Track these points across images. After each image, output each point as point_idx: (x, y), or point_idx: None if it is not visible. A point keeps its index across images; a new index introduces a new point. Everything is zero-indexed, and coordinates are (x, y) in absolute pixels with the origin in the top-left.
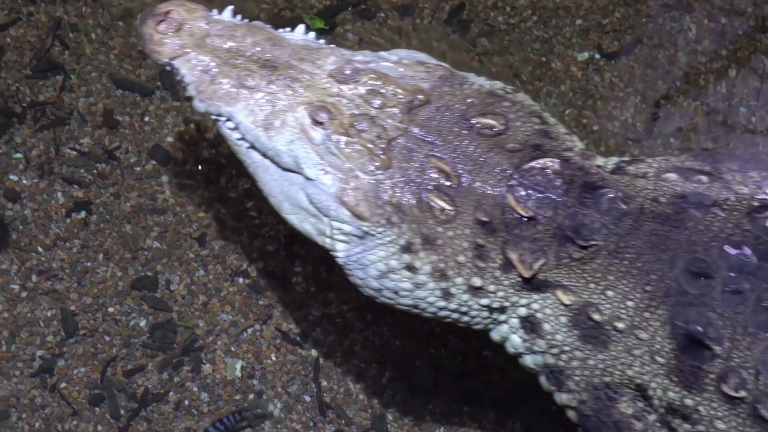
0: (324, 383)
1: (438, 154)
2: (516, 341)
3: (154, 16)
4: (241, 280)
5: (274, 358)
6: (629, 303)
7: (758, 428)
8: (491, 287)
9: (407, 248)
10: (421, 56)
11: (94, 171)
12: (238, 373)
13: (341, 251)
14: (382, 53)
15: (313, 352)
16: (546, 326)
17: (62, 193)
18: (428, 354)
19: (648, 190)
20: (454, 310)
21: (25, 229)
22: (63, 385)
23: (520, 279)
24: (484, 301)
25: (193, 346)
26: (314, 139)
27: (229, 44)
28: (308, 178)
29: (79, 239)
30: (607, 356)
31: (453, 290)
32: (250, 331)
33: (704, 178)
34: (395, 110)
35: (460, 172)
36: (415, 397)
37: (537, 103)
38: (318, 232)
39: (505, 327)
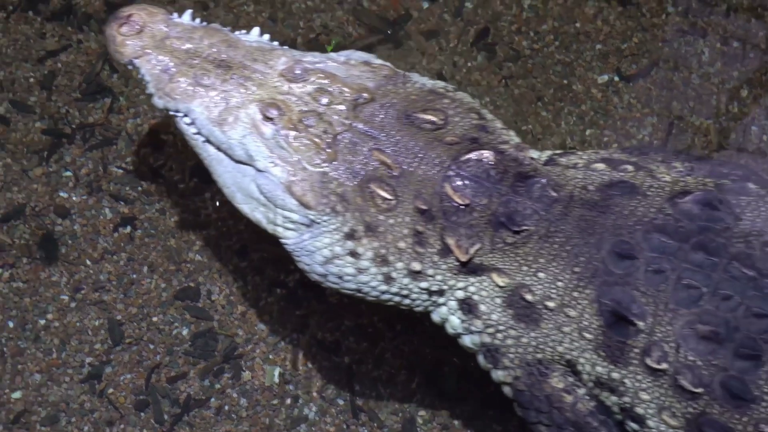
0: (357, 388)
1: (381, 148)
2: (455, 322)
3: (117, 19)
4: (278, 290)
5: (309, 365)
6: (559, 283)
7: (679, 398)
8: (430, 271)
9: (351, 235)
10: (368, 57)
11: (140, 188)
12: (276, 380)
13: (289, 238)
14: (332, 54)
15: (346, 359)
16: (482, 307)
17: (109, 209)
18: (454, 361)
19: (578, 179)
20: (395, 294)
21: (74, 244)
22: (110, 390)
23: (457, 263)
24: (424, 285)
25: (233, 354)
26: (265, 133)
27: (187, 45)
28: (259, 170)
29: (126, 252)
30: (539, 334)
31: (394, 274)
32: (287, 339)
33: (630, 167)
34: (341, 107)
35: (401, 164)
36: (443, 402)
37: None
38: (268, 221)
39: (444, 309)
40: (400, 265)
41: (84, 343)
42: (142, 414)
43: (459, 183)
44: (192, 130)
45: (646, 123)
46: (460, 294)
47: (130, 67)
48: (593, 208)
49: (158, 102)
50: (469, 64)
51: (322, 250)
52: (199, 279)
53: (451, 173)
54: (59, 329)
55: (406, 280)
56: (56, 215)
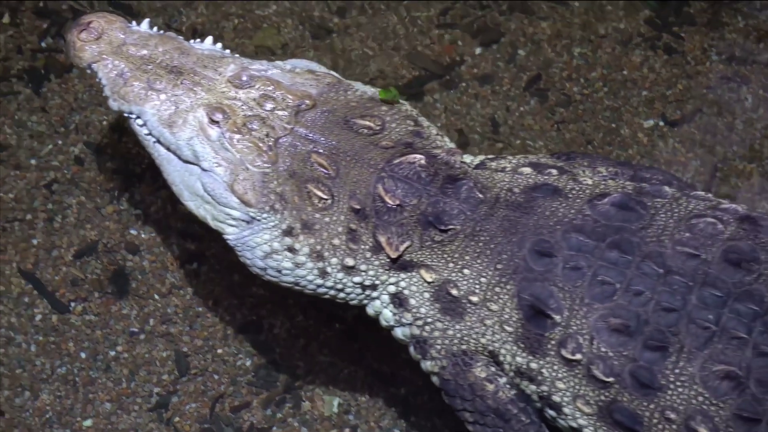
0: (412, 419)
1: (319, 150)
2: (387, 315)
3: (77, 26)
4: (336, 325)
5: (367, 396)
6: (483, 279)
7: (592, 386)
8: (363, 267)
9: (288, 232)
10: (313, 65)
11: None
12: (335, 410)
13: (231, 234)
14: (278, 62)
15: (403, 391)
16: (412, 301)
17: (177, 246)
18: None
19: (504, 181)
20: (330, 287)
21: (144, 279)
22: (177, 419)
23: (388, 259)
24: (357, 279)
25: (294, 384)
26: (211, 135)
27: (143, 52)
28: (204, 170)
29: (192, 287)
30: (463, 326)
31: (329, 269)
32: (345, 371)
33: (554, 171)
34: (284, 112)
35: (338, 166)
36: None
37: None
38: (212, 217)
39: (377, 303)
40: (334, 260)
41: (152, 374)
42: None
43: (391, 184)
44: (144, 131)
45: (690, 167)
46: (392, 288)
47: (89, 71)
48: (517, 209)
49: (113, 104)
50: (521, 109)
51: (262, 245)
52: (262, 313)
53: (384, 175)
54: (128, 360)
55: (340, 275)
56: (127, 251)
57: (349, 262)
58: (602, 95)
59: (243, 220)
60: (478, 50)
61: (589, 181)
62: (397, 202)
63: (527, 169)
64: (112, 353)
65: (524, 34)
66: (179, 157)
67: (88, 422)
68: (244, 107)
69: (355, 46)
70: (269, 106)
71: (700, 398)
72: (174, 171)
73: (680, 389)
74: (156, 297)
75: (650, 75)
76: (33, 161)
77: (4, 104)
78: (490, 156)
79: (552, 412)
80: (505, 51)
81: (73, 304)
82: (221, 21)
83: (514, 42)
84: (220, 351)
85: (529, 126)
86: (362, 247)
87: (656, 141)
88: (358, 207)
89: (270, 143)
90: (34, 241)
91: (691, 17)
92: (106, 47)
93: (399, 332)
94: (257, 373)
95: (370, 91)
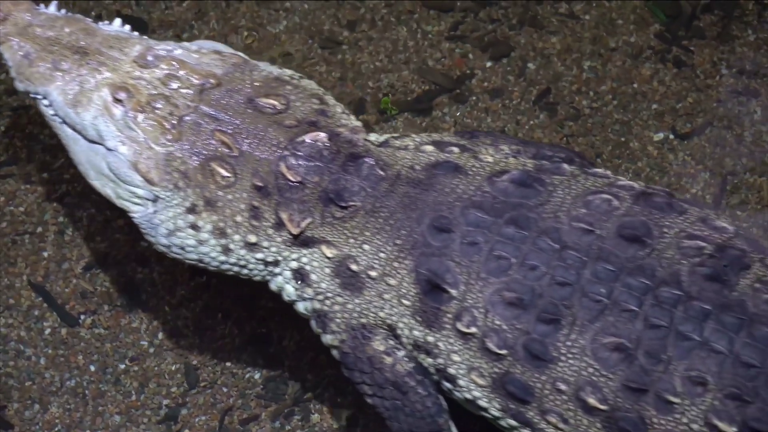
0: None
1: (223, 129)
2: (290, 290)
3: None
4: None
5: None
6: (381, 254)
7: (486, 359)
8: (265, 243)
9: (192, 210)
10: (219, 46)
11: None
12: (344, 422)
13: (136, 212)
14: (185, 43)
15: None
16: (313, 276)
17: None
18: None
19: (406, 159)
20: (234, 264)
21: (154, 291)
22: (186, 431)
23: (290, 236)
24: (260, 256)
25: (303, 397)
26: (115, 115)
27: (49, 33)
28: (109, 149)
29: (202, 300)
30: (362, 301)
31: (232, 246)
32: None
33: (456, 149)
34: (188, 91)
35: (241, 144)
36: None
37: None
38: (117, 196)
39: (280, 278)
40: (237, 237)
41: (161, 386)
42: None
43: (293, 162)
44: (50, 111)
45: (699, 179)
46: (294, 264)
47: None
48: (417, 185)
49: (19, 86)
50: (531, 122)
51: (166, 223)
52: (271, 325)
53: (286, 153)
54: (138, 373)
55: (243, 252)
56: (137, 264)
57: (252, 238)
58: (612, 108)
59: (147, 199)
60: (488, 64)
61: (490, 159)
62: (299, 180)
63: (429, 147)
64: (122, 366)
65: (534, 48)
66: (84, 137)
67: None
68: (148, 86)
69: (365, 59)
70: (174, 85)
71: (591, 369)
72: (80, 151)
73: (571, 361)
74: (166, 309)
75: (660, 88)
76: (45, 175)
77: (15, 118)
78: (395, 134)
79: (448, 385)
80: (515, 65)
81: (82, 316)
82: (230, 35)
83: (524, 56)
84: (229, 364)
85: (538, 139)
86: (264, 224)
87: (666, 154)
88: (260, 185)
89: (174, 122)
90: (45, 254)
91: (701, 31)
92: (12, 28)
93: (301, 307)
94: (266, 385)
95: (276, 71)
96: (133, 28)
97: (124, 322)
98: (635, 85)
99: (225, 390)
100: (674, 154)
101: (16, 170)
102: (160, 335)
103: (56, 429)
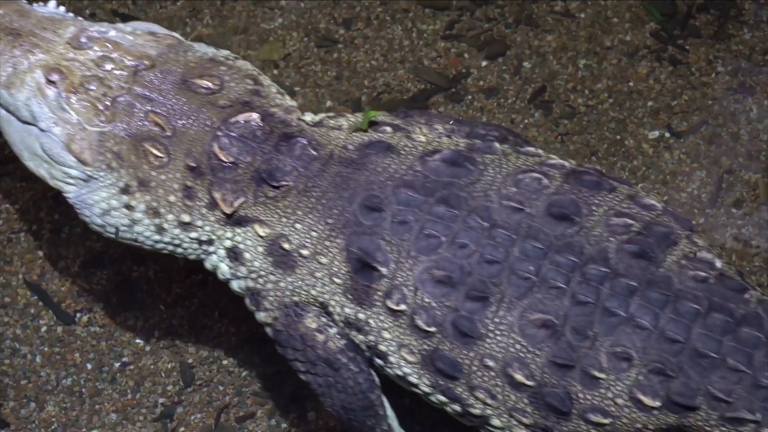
0: (417, 428)
1: (156, 110)
2: (224, 269)
3: None
4: None
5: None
6: (313, 233)
7: (415, 336)
8: (199, 223)
9: (125, 190)
10: (154, 27)
11: None
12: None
13: (70, 192)
14: (119, 24)
15: (407, 401)
16: (246, 255)
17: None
18: None
19: (340, 139)
20: (168, 243)
21: (149, 289)
22: (182, 429)
23: (223, 215)
24: (194, 235)
25: (299, 395)
26: (48, 96)
27: None
28: (42, 130)
29: (198, 298)
30: (294, 279)
31: (165, 225)
32: None
33: (389, 129)
34: (122, 72)
35: (174, 125)
36: None
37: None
38: (51, 176)
39: (214, 257)
40: (170, 217)
41: (157, 385)
42: None
43: (226, 142)
44: None
45: (695, 177)
46: (228, 243)
47: None
48: (350, 165)
49: None
50: (526, 121)
51: (100, 203)
52: None
53: (219, 134)
54: (134, 371)
55: (177, 231)
56: (133, 262)
57: (185, 218)
58: (607, 107)
59: (81, 179)
60: (483, 63)
61: (423, 139)
62: (232, 160)
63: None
64: (118, 364)
65: (529, 46)
66: (18, 118)
67: None
68: (82, 68)
69: (360, 58)
70: (107, 66)
71: (518, 346)
72: (14, 132)
73: (499, 338)
74: (161, 308)
75: (656, 86)
76: None
77: None
78: (330, 114)
79: (380, 361)
80: (511, 63)
81: (78, 315)
82: (226, 33)
83: (520, 54)
84: (225, 362)
85: (533, 137)
86: (198, 203)
87: (661, 152)
88: (193, 165)
89: (107, 103)
90: (40, 252)
91: (697, 30)
92: None
93: (235, 285)
94: (262, 383)
95: (211, 52)
96: None
97: (120, 320)
98: (631, 84)
99: (221, 388)
100: (670, 152)
101: (12, 169)
102: (156, 333)
103: (52, 427)
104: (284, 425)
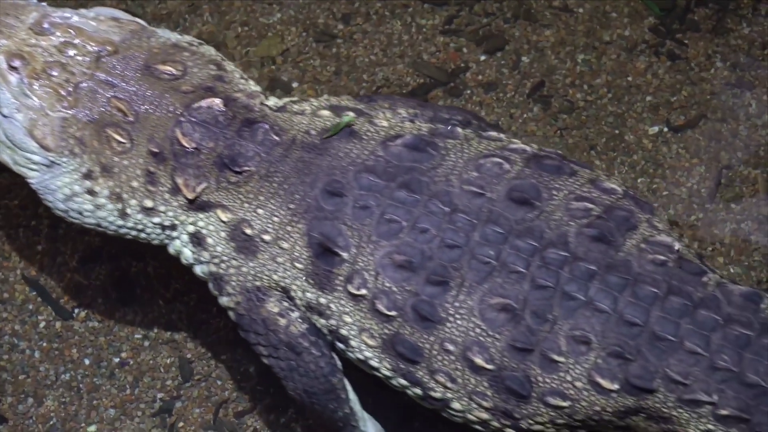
0: (416, 425)
1: (118, 96)
2: (187, 254)
3: None
4: None
5: (371, 400)
6: (275, 219)
7: (376, 320)
8: (162, 208)
9: (88, 175)
10: (117, 13)
11: None
12: None
13: (33, 178)
14: (82, 10)
15: (406, 396)
16: (209, 240)
17: None
18: None
19: (303, 124)
20: (131, 228)
21: (148, 285)
22: (180, 424)
23: (186, 201)
24: (157, 220)
25: None
26: (10, 82)
27: None
28: (4, 116)
29: (196, 294)
30: (256, 264)
31: (128, 211)
32: (349, 377)
33: (352, 114)
34: (85, 58)
35: (137, 110)
36: None
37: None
38: (14, 162)
39: (177, 242)
40: (133, 202)
41: (156, 380)
42: None
43: (188, 128)
44: None
45: (694, 172)
46: (191, 228)
47: None
48: (312, 150)
49: None
50: (525, 115)
51: (63, 188)
52: None
53: (182, 119)
54: (133, 366)
55: (139, 216)
56: (131, 257)
57: (148, 203)
58: (606, 101)
59: (43, 165)
60: (482, 57)
61: (386, 124)
62: (194, 145)
63: (326, 112)
64: (116, 360)
65: (528, 41)
66: None
67: (92, 428)
68: (44, 54)
69: (359, 53)
70: (70, 52)
71: (478, 330)
72: None
73: (459, 322)
74: (160, 303)
75: (654, 81)
76: None
77: None
78: (294, 99)
79: (341, 345)
80: (510, 58)
81: (76, 310)
82: (226, 29)
83: (518, 49)
84: (224, 357)
85: (532, 132)
86: (161, 189)
87: (660, 147)
88: (156, 150)
89: (69, 89)
90: (39, 248)
91: (696, 24)
92: None
93: (198, 270)
94: (261, 378)
95: (175, 37)
96: None
97: (119, 315)
98: (629, 78)
99: (219, 383)
100: (668, 147)
101: None
102: (155, 329)
103: (51, 422)
104: (283, 420)
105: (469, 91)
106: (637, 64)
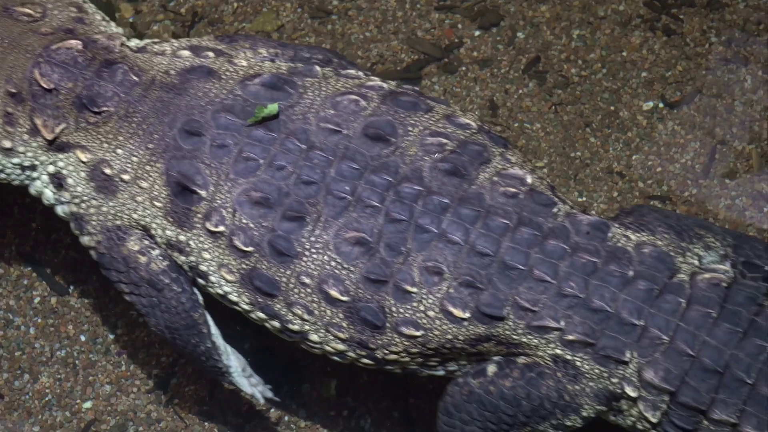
0: (411, 401)
1: None
2: (48, 195)
3: None
4: None
5: (366, 378)
6: (134, 158)
7: (234, 256)
8: (21, 149)
9: None
10: None
11: None
12: (333, 392)
13: None
14: None
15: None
16: (69, 181)
17: None
18: None
19: (162, 64)
20: None
21: None
22: (176, 401)
23: (45, 141)
24: (16, 161)
25: (293, 367)
26: None
27: None
28: None
29: None
30: (116, 203)
31: None
32: None
33: (211, 54)
34: None
35: None
36: None
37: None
38: None
39: (38, 183)
40: None
41: (151, 356)
42: (206, 424)
43: (47, 69)
44: None
45: (689, 148)
46: (51, 169)
47: None
48: (171, 90)
49: None
50: (520, 91)
51: None
52: None
53: (40, 60)
54: (128, 343)
55: None
56: None
57: (7, 144)
58: (601, 77)
59: None
60: (477, 33)
61: (245, 63)
62: (53, 86)
63: (186, 53)
64: (112, 336)
65: (523, 17)
66: None
67: (87, 404)
68: None
69: (354, 29)
70: None
71: (333, 263)
72: None
73: (315, 256)
74: None
75: (649, 56)
76: None
77: None
78: (155, 40)
79: (201, 281)
80: (505, 34)
81: (72, 286)
82: (220, 5)
83: (514, 25)
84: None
85: (527, 108)
86: (19, 129)
87: (655, 123)
88: (14, 91)
89: None
90: (33, 225)
91: None
92: None
93: (59, 210)
94: (256, 355)
95: None
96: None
97: (114, 291)
98: (624, 54)
99: None
100: (663, 123)
101: None
102: None
103: (46, 399)
104: (278, 397)
105: (464, 68)
106: (631, 40)
